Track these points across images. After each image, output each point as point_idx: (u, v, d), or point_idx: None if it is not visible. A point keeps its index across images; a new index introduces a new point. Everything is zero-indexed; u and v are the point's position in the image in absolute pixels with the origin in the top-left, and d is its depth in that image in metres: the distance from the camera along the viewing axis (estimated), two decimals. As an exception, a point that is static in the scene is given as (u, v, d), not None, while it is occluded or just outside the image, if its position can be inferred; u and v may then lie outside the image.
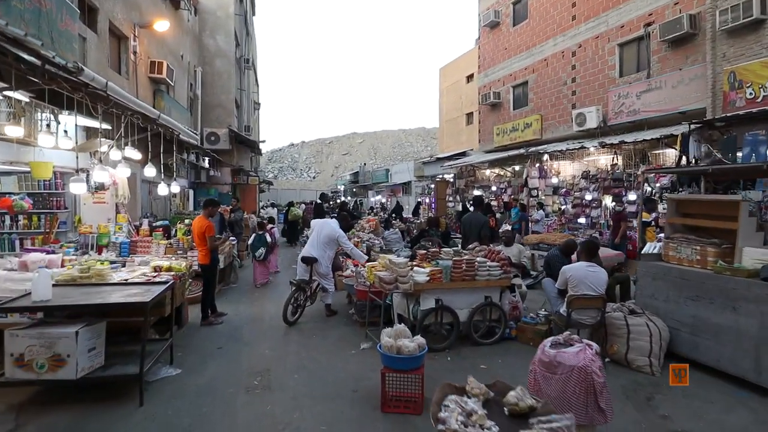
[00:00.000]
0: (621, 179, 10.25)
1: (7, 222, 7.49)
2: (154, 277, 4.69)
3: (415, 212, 19.14)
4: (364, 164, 40.12)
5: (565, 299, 4.32)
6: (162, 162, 8.41)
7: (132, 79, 10.32)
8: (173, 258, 5.81)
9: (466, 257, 4.92)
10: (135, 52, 10.50)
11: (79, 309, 3.58)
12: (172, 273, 4.91)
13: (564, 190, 12.94)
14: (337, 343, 5.17)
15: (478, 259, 4.91)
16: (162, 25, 11.31)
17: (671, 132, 8.82)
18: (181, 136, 9.10)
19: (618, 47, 11.90)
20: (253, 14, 27.89)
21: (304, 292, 6.03)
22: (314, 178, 67.52)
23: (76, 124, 6.17)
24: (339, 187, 42.33)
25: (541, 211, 12.62)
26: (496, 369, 4.29)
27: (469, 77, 25.90)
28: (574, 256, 5.87)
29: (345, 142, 79.75)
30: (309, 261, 6.05)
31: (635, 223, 9.56)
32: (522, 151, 14.30)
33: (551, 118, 14.90)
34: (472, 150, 21.46)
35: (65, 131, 6.03)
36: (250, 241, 9.15)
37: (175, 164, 8.68)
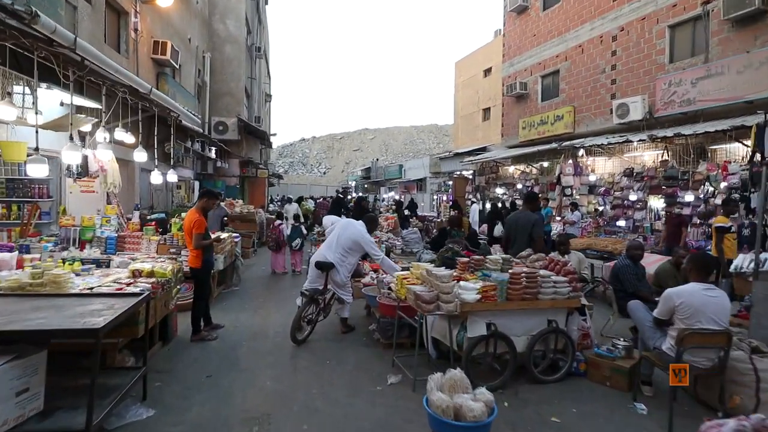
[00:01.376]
0: (675, 177, 9.03)
1: (-17, 212, 6.61)
2: (129, 284, 3.69)
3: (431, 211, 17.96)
4: (377, 160, 39.02)
5: (671, 332, 3.23)
6: (158, 148, 7.46)
7: (132, 59, 9.37)
8: (161, 259, 4.81)
9: (524, 269, 3.83)
10: (136, 30, 9.54)
11: (6, 335, 2.57)
12: (153, 280, 3.91)
13: (603, 189, 11.73)
14: (356, 372, 4.13)
15: (541, 272, 3.83)
16: (165, 0, 10.35)
17: (742, 123, 7.59)
18: (181, 119, 8.13)
19: (668, 29, 10.64)
20: (266, 3, 26.93)
21: (316, 304, 5.00)
22: (325, 173, 66.76)
23: (69, 102, 5.21)
24: (350, 182, 41.32)
25: (576, 212, 11.43)
26: (573, 424, 3.21)
27: (487, 71, 24.78)
28: (650, 269, 4.76)
29: (356, 138, 78.83)
30: (324, 267, 5.02)
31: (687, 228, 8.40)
32: (554, 145, 13.10)
33: (586, 110, 13.67)
34: (493, 145, 20.28)
35: (32, 104, 5.07)
36: (288, 232, 9.24)
37: (173, 150, 7.71)
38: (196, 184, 14.11)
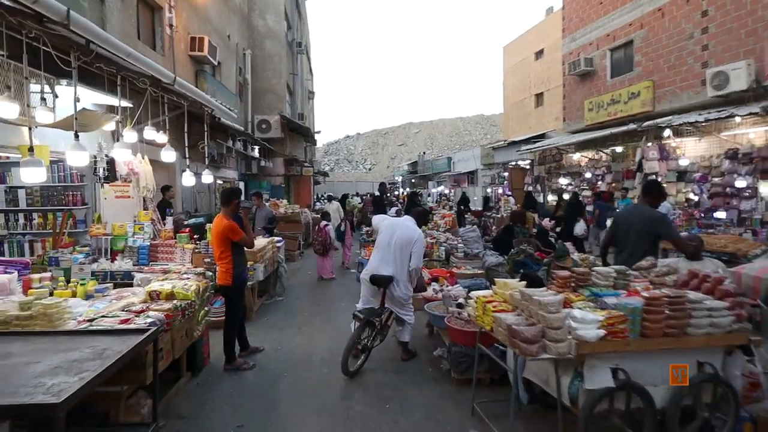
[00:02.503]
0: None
1: (21, 221, 6.30)
2: (140, 312, 2.95)
3: (486, 206, 16.67)
4: (423, 153, 37.79)
5: None
6: (194, 147, 6.87)
7: (168, 56, 8.93)
8: (188, 274, 4.08)
9: (664, 291, 2.69)
10: (171, 25, 9.09)
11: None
12: (171, 306, 3.14)
13: (698, 174, 9.99)
14: (426, 425, 3.17)
15: (689, 294, 2.68)
16: (202, -7, 9.87)
17: None
18: (216, 114, 7.52)
19: (781, -23, 8.77)
20: (306, -2, 26.49)
21: (372, 327, 4.09)
22: (370, 169, 66.46)
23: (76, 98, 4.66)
24: (396, 178, 40.42)
25: (666, 204, 9.77)
26: None
27: (539, 53, 23.02)
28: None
29: (401, 133, 77.98)
30: (381, 282, 4.10)
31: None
32: (632, 126, 11.44)
33: (668, 84, 11.85)
34: (553, 131, 18.58)
35: (47, 101, 4.51)
36: (333, 234, 8.72)
37: (207, 149, 7.10)
38: (241, 184, 13.74)
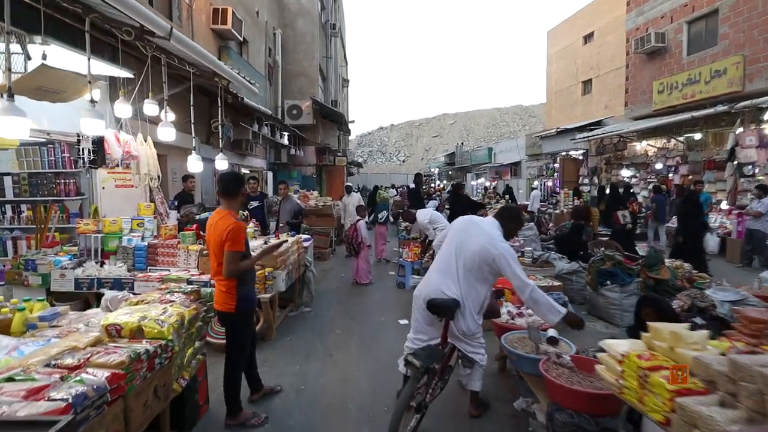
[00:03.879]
0: None
1: (9, 213, 5.42)
2: (72, 370, 1.82)
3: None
4: (461, 144, 36.05)
5: None
6: (203, 127, 5.80)
7: (186, 28, 7.93)
8: (178, 292, 2.94)
9: None
10: (190, -6, 8.09)
11: None
12: (123, 360, 1.99)
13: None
14: None
15: None
16: (225, -42, 8.81)
17: None
18: (235, 90, 6.42)
19: None
20: (341, -21, 25.24)
21: (431, 375, 2.84)
22: (404, 161, 65.15)
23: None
24: (432, 169, 38.84)
25: (766, 199, 8.04)
26: None
27: (588, 37, 21.08)
28: None
29: (435, 124, 76.07)
30: (443, 310, 2.84)
31: None
32: (721, 108, 9.62)
33: (764, 59, 9.93)
34: (610, 118, 16.67)
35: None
36: (365, 233, 7.17)
37: (221, 130, 6.00)
38: (269, 175, 12.77)
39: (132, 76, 5.09)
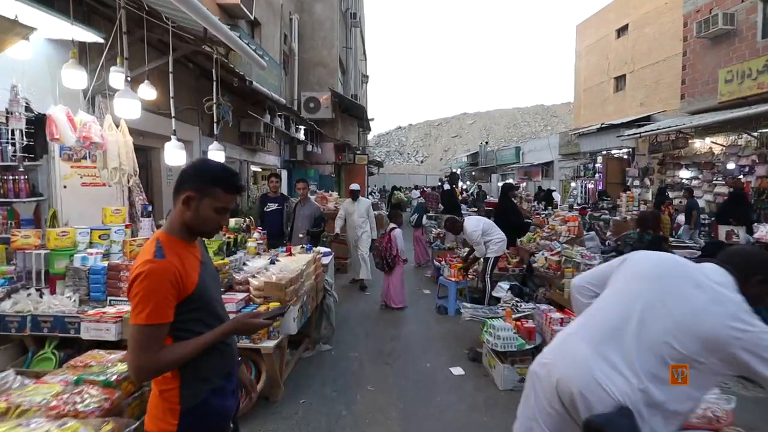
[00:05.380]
0: None
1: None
2: None
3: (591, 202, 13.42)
4: (485, 143, 34.36)
5: None
6: (200, 111, 4.52)
7: (188, 0, 6.73)
8: (108, 378, 1.63)
9: None
10: (194, -39, 6.86)
11: None
12: None
13: None
14: None
15: None
16: None
17: None
18: (241, 71, 5.14)
19: None
20: (362, -31, 23.98)
21: None
22: (422, 162, 63.78)
23: None
24: (455, 170, 37.30)
25: None
26: None
27: (621, 30, 19.78)
28: None
29: (454, 124, 74.49)
30: (595, 426, 1.46)
31: None
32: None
33: None
34: (661, 113, 14.98)
35: None
36: (400, 244, 5.78)
37: (216, 111, 4.71)
38: (284, 173, 11.53)
39: (101, 39, 3.85)
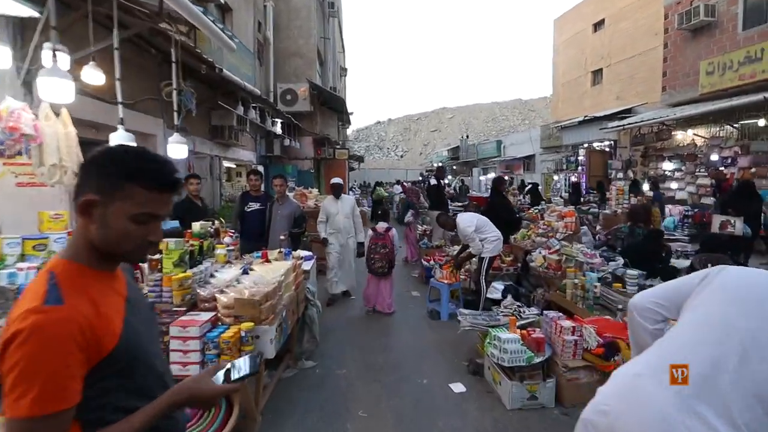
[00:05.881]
0: None
1: None
2: None
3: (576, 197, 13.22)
4: (466, 137, 34.16)
5: None
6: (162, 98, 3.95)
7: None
8: None
9: None
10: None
11: None
12: None
13: None
14: None
15: None
16: None
17: None
18: (209, 57, 4.58)
19: None
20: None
21: None
22: (402, 156, 63.52)
23: None
24: (435, 164, 37.09)
25: None
26: None
27: (598, 24, 20.02)
28: None
29: (434, 118, 74.44)
30: None
31: None
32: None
33: None
34: (642, 105, 14.96)
35: None
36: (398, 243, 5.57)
37: (177, 98, 4.11)
38: (260, 169, 10.92)
39: (36, 14, 3.26)
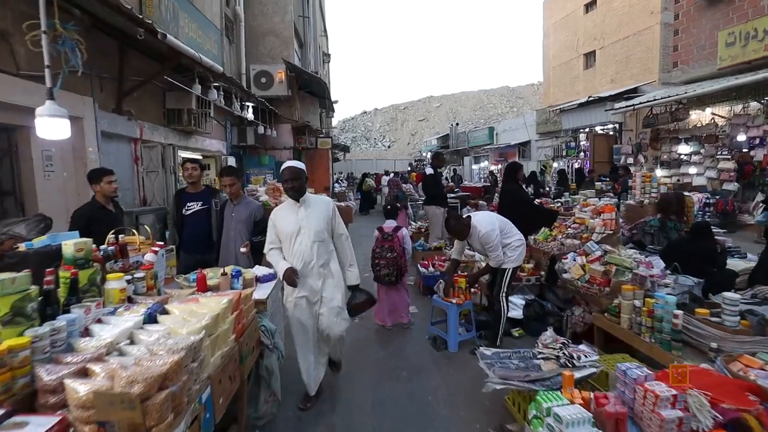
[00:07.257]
0: None
1: None
2: None
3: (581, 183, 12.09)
4: (456, 125, 32.91)
5: None
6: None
7: None
8: None
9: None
10: None
11: None
12: None
13: None
14: None
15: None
16: None
17: None
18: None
19: None
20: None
21: None
22: (389, 146, 62.21)
23: None
24: (425, 153, 35.85)
25: None
26: None
27: (590, 5, 18.91)
28: None
29: (421, 107, 72.99)
30: None
31: None
32: None
33: None
34: (648, 84, 13.87)
35: None
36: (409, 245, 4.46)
37: (45, 42, 2.81)
38: (231, 161, 9.58)
39: None
